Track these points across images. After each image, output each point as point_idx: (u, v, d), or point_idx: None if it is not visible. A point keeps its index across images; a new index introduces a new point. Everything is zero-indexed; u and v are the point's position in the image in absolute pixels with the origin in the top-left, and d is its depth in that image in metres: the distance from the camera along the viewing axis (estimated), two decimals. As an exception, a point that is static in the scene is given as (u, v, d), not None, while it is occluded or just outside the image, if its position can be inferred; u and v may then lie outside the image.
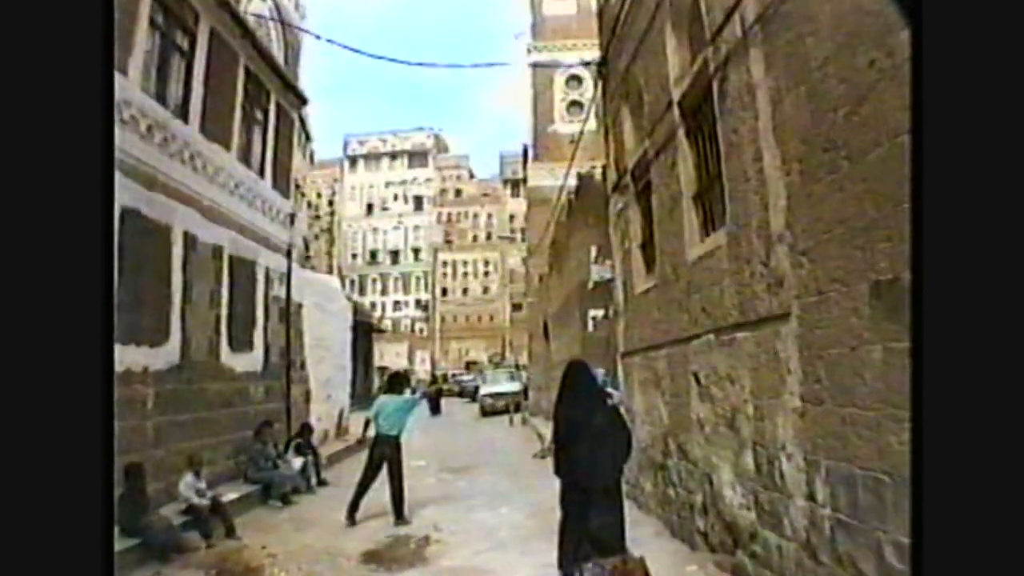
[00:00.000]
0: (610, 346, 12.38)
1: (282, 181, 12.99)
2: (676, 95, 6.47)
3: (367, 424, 9.14)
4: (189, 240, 9.26)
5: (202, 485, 8.23)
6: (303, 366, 13.60)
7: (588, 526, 4.45)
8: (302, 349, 13.87)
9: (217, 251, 10.12)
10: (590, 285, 12.73)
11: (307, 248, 58.87)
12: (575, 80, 29.29)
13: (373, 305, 66.95)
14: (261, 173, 12.18)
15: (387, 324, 67.13)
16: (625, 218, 8.82)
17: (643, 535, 6.97)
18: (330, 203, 74.24)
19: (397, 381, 9.85)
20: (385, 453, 8.50)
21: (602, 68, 10.02)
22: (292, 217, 13.18)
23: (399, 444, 8.59)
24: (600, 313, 12.54)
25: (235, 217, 10.74)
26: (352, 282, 72.99)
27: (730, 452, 5.27)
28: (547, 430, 16.68)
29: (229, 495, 9.14)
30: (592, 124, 29.74)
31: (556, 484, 5.39)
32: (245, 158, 11.55)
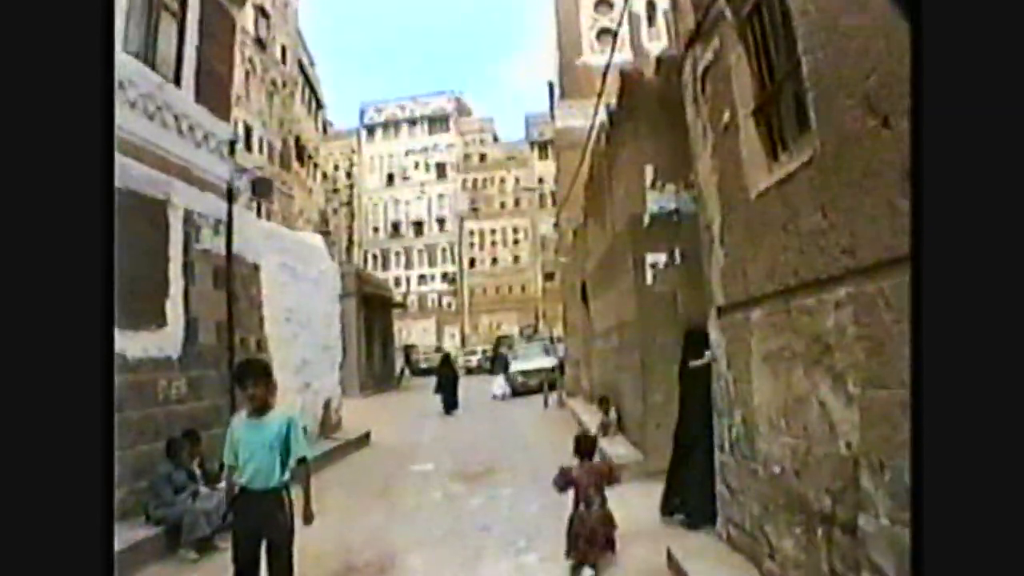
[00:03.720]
0: (678, 304, 8.73)
1: (214, 97, 9.40)
2: None
3: (222, 469, 5.18)
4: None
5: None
6: (260, 347, 10.13)
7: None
8: (261, 324, 10.41)
9: (82, 179, 6.65)
10: (646, 220, 9.03)
11: (326, 222, 56.16)
12: (604, 4, 25.26)
13: (397, 280, 63.58)
14: (177, 80, 8.65)
15: (412, 299, 64.05)
16: (719, 75, 5.12)
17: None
18: (348, 175, 71.01)
19: (249, 374, 4.64)
20: (254, 518, 4.43)
21: None
22: (232, 145, 9.63)
23: (281, 500, 4.49)
24: (662, 259, 8.83)
25: (119, 132, 7.23)
26: (375, 256, 69.84)
27: None
28: (588, 415, 13.16)
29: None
30: (628, 54, 25.62)
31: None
32: (144, 54, 8.04)
